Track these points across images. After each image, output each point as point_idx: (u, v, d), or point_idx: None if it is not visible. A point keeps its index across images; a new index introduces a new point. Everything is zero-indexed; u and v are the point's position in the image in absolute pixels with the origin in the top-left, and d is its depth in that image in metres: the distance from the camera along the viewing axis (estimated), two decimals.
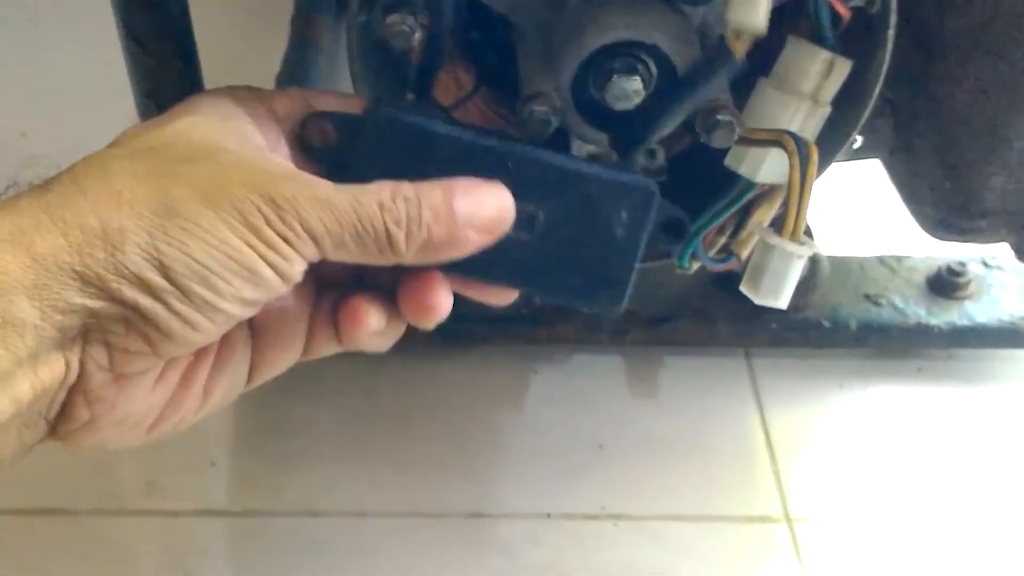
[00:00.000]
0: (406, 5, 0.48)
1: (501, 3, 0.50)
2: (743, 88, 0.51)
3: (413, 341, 0.46)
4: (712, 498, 0.73)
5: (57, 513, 0.71)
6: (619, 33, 0.47)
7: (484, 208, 0.42)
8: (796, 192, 0.46)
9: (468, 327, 0.78)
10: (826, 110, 0.50)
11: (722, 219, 0.53)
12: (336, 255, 0.40)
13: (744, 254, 0.54)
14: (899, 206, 0.63)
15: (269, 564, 0.69)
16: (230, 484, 0.74)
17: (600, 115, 0.51)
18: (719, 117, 0.47)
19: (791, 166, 0.46)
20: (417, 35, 0.48)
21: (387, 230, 0.39)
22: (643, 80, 0.48)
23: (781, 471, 0.75)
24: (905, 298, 0.79)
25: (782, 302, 0.48)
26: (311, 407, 0.78)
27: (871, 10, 0.48)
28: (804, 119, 0.49)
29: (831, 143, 0.52)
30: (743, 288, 0.50)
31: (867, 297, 0.79)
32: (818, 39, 0.48)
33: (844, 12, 0.47)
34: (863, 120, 0.51)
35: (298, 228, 0.38)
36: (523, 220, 0.44)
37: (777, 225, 0.49)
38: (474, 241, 0.41)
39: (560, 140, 0.51)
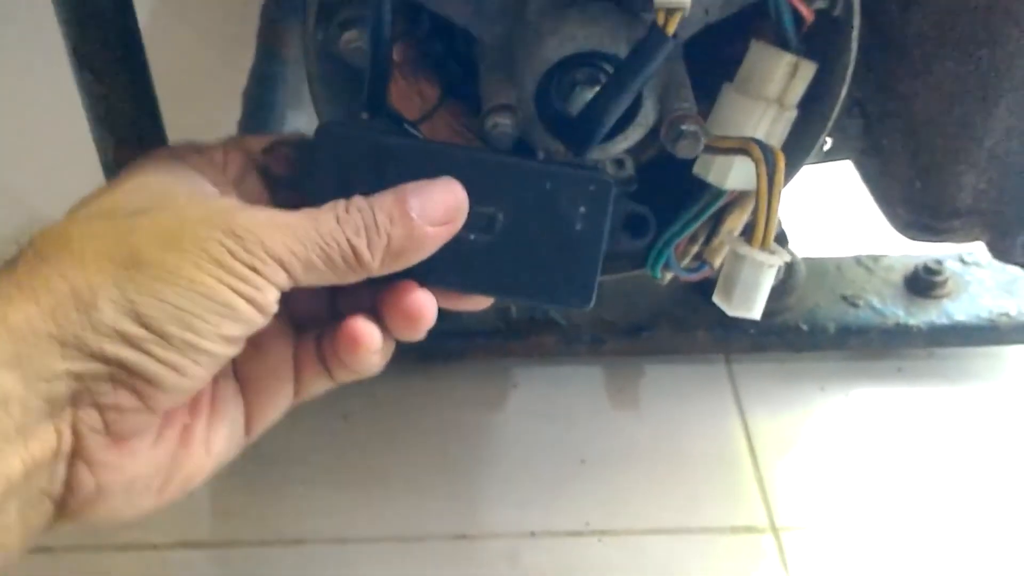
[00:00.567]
0: (362, 21, 0.47)
1: (461, 16, 0.49)
2: (709, 94, 0.50)
3: (389, 360, 0.46)
4: (697, 510, 0.72)
5: (38, 551, 0.69)
6: (579, 44, 0.47)
7: (436, 202, 0.42)
8: (764, 200, 0.45)
9: (444, 343, 0.77)
10: (792, 113, 0.49)
11: (693, 228, 0.53)
12: (307, 278, 0.40)
13: (717, 262, 0.54)
14: (872, 205, 0.63)
15: None
16: (210, 515, 0.73)
17: (563, 126, 0.50)
18: (684, 127, 0.46)
19: (758, 175, 0.45)
20: None
21: (349, 241, 0.40)
22: None
23: (765, 478, 0.74)
24: (883, 298, 0.79)
25: (755, 312, 0.48)
26: (288, 432, 0.76)
27: (834, 12, 0.48)
28: (771, 123, 0.49)
29: (800, 147, 0.52)
30: (715, 299, 0.49)
31: (844, 299, 0.79)
32: (781, 42, 0.48)
33: (807, 14, 0.47)
34: (831, 123, 0.51)
35: (263, 255, 0.38)
36: (482, 222, 0.45)
37: (747, 233, 0.49)
38: (433, 235, 0.42)
39: (523, 151, 0.50)
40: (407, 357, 0.56)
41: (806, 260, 0.80)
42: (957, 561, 0.69)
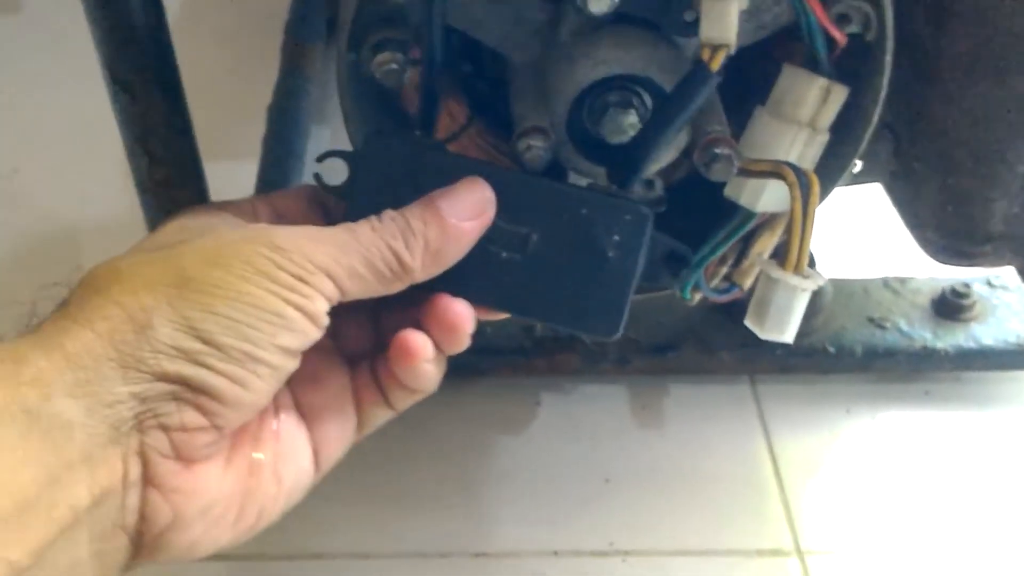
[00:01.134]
0: (395, 43, 0.47)
1: (493, 38, 0.50)
2: (741, 117, 0.50)
3: None
4: (722, 531, 0.71)
5: None
6: (612, 67, 0.47)
7: (463, 199, 0.44)
8: (798, 224, 0.45)
9: (468, 360, 0.77)
10: (824, 137, 0.49)
11: (723, 250, 0.53)
12: (352, 286, 0.41)
13: (747, 284, 0.53)
14: (901, 227, 0.63)
15: None
16: None
17: (595, 148, 0.50)
18: (717, 150, 0.46)
19: (792, 198, 0.45)
20: (407, 73, 0.47)
21: (389, 246, 0.41)
22: (638, 113, 0.47)
23: (790, 501, 0.73)
24: (910, 321, 0.78)
25: (788, 336, 0.48)
26: None
27: (867, 36, 0.48)
28: (803, 147, 0.49)
29: (831, 170, 0.51)
30: (747, 322, 0.49)
31: (872, 320, 0.78)
32: (813, 66, 0.48)
33: (840, 38, 0.47)
34: (863, 146, 0.51)
35: (308, 265, 0.39)
36: (516, 242, 0.45)
37: (779, 256, 0.48)
38: (468, 230, 0.43)
39: (556, 174, 0.50)
40: None
41: (833, 281, 0.79)
42: None
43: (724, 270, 0.54)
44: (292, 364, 0.40)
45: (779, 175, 0.46)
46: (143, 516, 0.38)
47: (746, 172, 0.47)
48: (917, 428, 0.78)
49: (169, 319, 0.37)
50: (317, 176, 0.47)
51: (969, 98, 0.51)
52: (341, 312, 0.47)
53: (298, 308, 0.39)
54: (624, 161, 0.48)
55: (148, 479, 0.37)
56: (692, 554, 0.70)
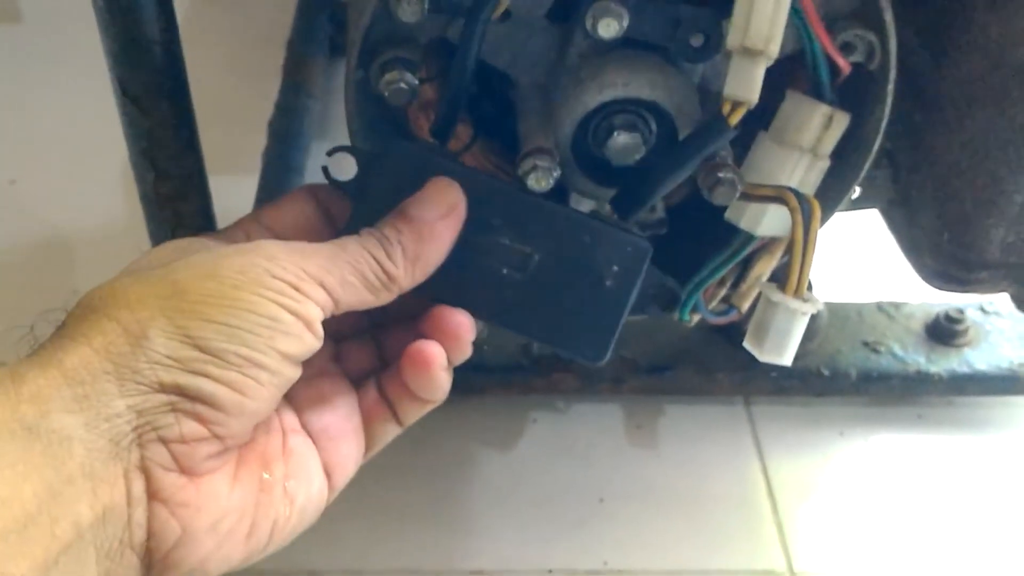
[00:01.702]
0: (404, 62, 0.48)
1: (502, 59, 0.50)
2: (743, 140, 0.51)
3: None
4: (715, 551, 0.72)
5: None
6: (618, 91, 0.47)
7: (431, 200, 0.44)
8: (799, 249, 0.46)
9: (464, 378, 0.77)
10: (825, 163, 0.50)
11: (722, 273, 0.53)
12: (345, 295, 0.41)
13: (745, 307, 0.54)
14: (895, 252, 0.63)
15: None
16: None
17: (599, 170, 0.51)
18: (720, 175, 0.47)
19: (794, 223, 0.46)
20: (415, 92, 0.48)
21: (371, 255, 0.42)
22: (643, 137, 0.48)
23: (784, 522, 0.74)
24: (904, 345, 0.79)
25: (786, 359, 0.48)
26: None
27: (870, 65, 0.48)
28: (804, 172, 0.49)
29: (831, 196, 0.52)
30: (746, 345, 0.49)
31: (866, 344, 0.79)
32: (817, 93, 0.48)
33: (844, 66, 0.47)
34: (863, 173, 0.51)
35: (302, 273, 0.40)
36: (517, 259, 0.46)
37: (778, 279, 0.49)
38: (440, 230, 0.44)
39: (559, 196, 0.51)
40: None
41: (828, 305, 0.80)
42: None
43: (723, 292, 0.54)
44: (292, 372, 0.40)
45: (781, 200, 0.46)
46: (151, 532, 0.37)
47: (748, 196, 0.48)
48: (910, 451, 0.79)
49: (164, 329, 0.37)
50: (325, 170, 0.47)
51: (968, 128, 0.52)
52: (344, 335, 0.48)
53: (293, 312, 0.39)
54: (627, 187, 0.49)
55: (153, 494, 0.37)
56: (686, 574, 0.70)
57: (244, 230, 0.46)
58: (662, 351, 0.78)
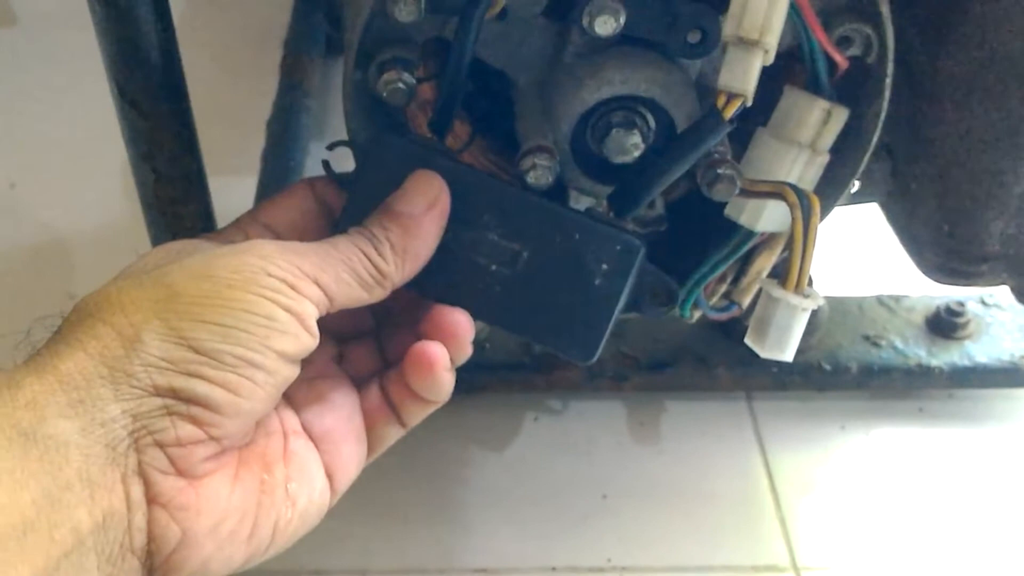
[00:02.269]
0: (402, 62, 0.48)
1: (499, 58, 0.50)
2: (743, 138, 0.51)
3: None
4: (718, 547, 0.72)
5: None
6: (616, 88, 0.47)
7: (414, 192, 0.45)
8: (799, 244, 0.46)
9: (467, 376, 0.77)
10: (824, 158, 0.50)
11: (722, 269, 0.53)
12: (340, 293, 0.41)
13: (745, 302, 0.54)
14: (895, 245, 0.63)
15: None
16: None
17: (598, 167, 0.51)
18: (719, 171, 0.46)
19: (793, 219, 0.46)
20: (413, 92, 0.48)
21: (362, 251, 0.42)
22: (642, 134, 0.48)
23: (786, 517, 0.74)
24: (905, 339, 0.79)
25: (788, 355, 0.48)
26: None
27: (867, 59, 0.48)
28: (803, 168, 0.49)
29: (830, 191, 0.52)
30: (748, 342, 0.49)
31: (867, 338, 0.79)
32: (815, 88, 0.48)
33: (842, 61, 0.47)
34: (861, 167, 0.51)
35: (296, 271, 0.40)
36: (507, 256, 0.46)
37: (779, 275, 0.49)
38: (426, 222, 0.44)
39: (558, 194, 0.51)
40: None
41: (828, 299, 0.80)
42: None
43: (723, 288, 0.54)
44: (289, 371, 0.40)
45: (781, 196, 0.46)
46: (152, 536, 0.37)
47: (748, 192, 0.48)
48: (911, 445, 0.79)
49: (158, 332, 0.37)
50: (326, 163, 0.47)
51: (967, 120, 0.52)
52: (346, 338, 0.48)
53: (288, 310, 0.39)
54: (625, 184, 0.49)
55: (152, 498, 0.37)
56: (689, 570, 0.71)
57: (242, 229, 0.46)
58: (663, 348, 0.78)
